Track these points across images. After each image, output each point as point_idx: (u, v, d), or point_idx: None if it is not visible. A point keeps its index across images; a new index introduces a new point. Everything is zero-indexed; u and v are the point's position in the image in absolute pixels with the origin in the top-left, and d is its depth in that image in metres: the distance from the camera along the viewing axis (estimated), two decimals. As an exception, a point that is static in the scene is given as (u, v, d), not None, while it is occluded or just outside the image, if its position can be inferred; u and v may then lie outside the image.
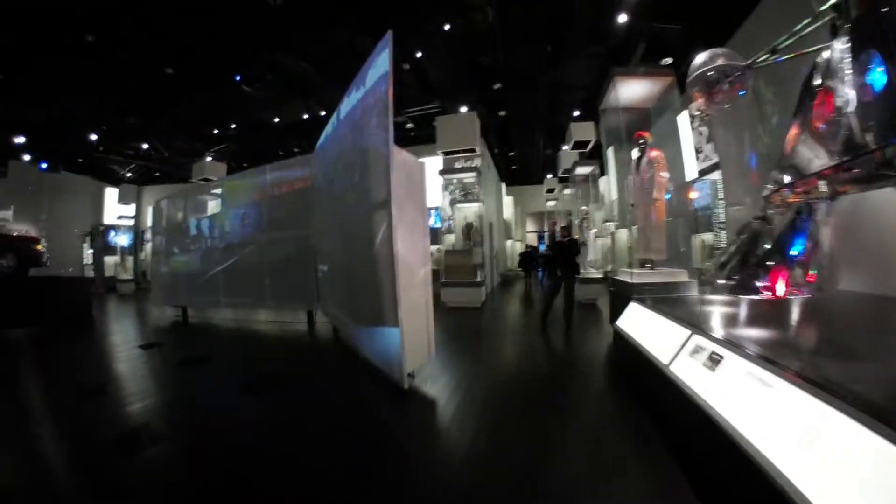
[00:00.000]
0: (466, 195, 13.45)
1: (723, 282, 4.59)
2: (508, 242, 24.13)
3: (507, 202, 23.58)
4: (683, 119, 10.07)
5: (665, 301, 5.47)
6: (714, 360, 3.12)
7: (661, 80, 7.40)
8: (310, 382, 5.20)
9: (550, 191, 21.43)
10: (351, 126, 5.72)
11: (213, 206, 11.29)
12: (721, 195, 9.29)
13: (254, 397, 4.66)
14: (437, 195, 14.40)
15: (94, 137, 16.69)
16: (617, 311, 6.84)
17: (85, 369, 5.87)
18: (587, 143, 12.60)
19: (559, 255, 7.78)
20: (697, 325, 3.81)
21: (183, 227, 11.12)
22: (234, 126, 16.38)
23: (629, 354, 4.95)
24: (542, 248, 23.95)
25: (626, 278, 6.53)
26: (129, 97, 13.60)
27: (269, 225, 9.16)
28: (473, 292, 11.10)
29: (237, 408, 4.40)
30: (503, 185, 22.76)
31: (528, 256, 18.52)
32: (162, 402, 4.51)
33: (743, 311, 4.32)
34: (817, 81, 3.32)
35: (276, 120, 15.52)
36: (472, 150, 11.61)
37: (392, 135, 4.29)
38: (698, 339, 3.57)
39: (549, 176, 21.56)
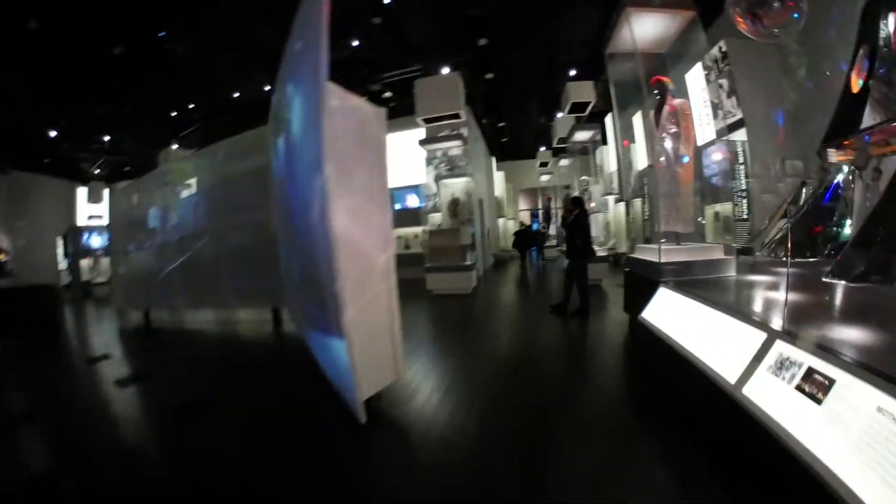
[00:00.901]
0: (452, 169, 12.19)
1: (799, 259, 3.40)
2: (501, 221, 22.88)
3: (498, 178, 22.27)
4: (696, 72, 8.79)
5: (708, 286, 4.29)
6: (819, 385, 1.99)
7: (679, 17, 6.11)
8: (247, 410, 3.96)
9: (544, 164, 20.20)
10: (286, 71, 4.40)
11: (165, 195, 9.99)
12: (741, 159, 8.04)
13: (172, 430, 3.65)
14: (420, 171, 13.22)
15: (53, 134, 15.52)
16: (635, 296, 5.72)
17: (12, 391, 5.27)
18: (586, 105, 11.28)
19: (568, 234, 6.75)
20: (779, 324, 2.63)
21: (137, 220, 9.78)
22: (192, 106, 14.90)
23: (662, 358, 3.78)
24: (536, 226, 22.74)
25: (649, 256, 5.33)
26: (84, 86, 12.39)
27: (224, 211, 7.78)
28: (462, 277, 9.87)
29: (147, 444, 3.47)
30: (493, 160, 21.43)
31: (523, 235, 17.18)
32: (63, 437, 3.72)
33: (840, 304, 3.12)
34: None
35: (237, 95, 14.05)
36: (457, 116, 10.26)
37: (326, 63, 2.98)
38: (784, 349, 2.41)
39: (542, 148, 20.29)
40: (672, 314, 4.06)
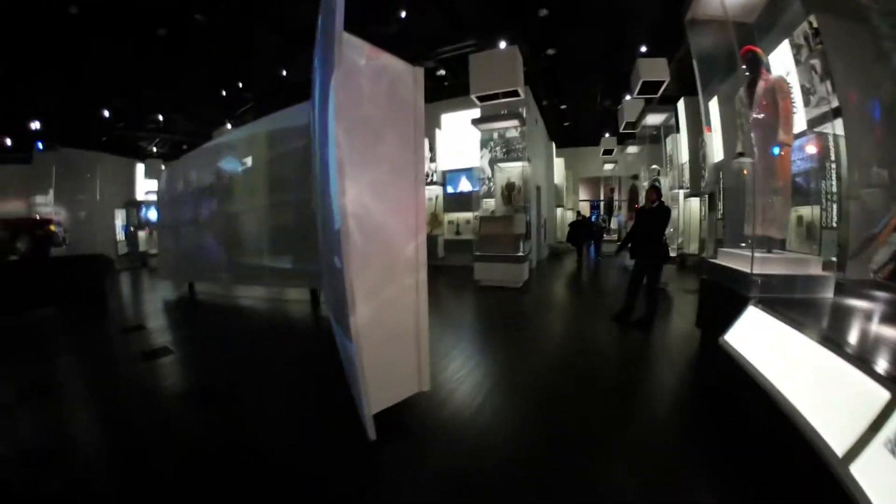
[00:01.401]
0: (509, 152, 11.47)
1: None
2: (559, 211, 21.88)
3: (558, 164, 21.24)
4: (783, 50, 7.61)
5: (807, 310, 3.48)
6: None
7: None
8: (254, 405, 3.58)
9: (608, 152, 19.02)
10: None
11: (210, 170, 9.94)
12: (832, 155, 6.84)
13: (177, 418, 3.44)
14: (474, 153, 12.58)
15: (107, 114, 16.02)
16: (712, 310, 4.92)
17: (34, 361, 5.09)
18: (659, 84, 10.19)
19: (642, 230, 5.88)
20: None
21: (183, 195, 9.95)
22: (241, 85, 14.84)
23: (748, 400, 3.05)
24: (595, 217, 21.52)
25: (736, 264, 4.50)
26: (132, 69, 12.66)
27: (268, 188, 7.69)
28: (513, 269, 9.18)
29: (139, 428, 3.28)
30: (553, 146, 20.42)
31: (579, 227, 15.88)
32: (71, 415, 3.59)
33: None
34: None
35: (285, 73, 13.79)
36: (515, 94, 9.48)
37: (342, 9, 2.39)
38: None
39: (607, 135, 19.09)
40: (764, 343, 3.30)
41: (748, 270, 4.13)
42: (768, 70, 4.87)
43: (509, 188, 10.08)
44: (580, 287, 10.40)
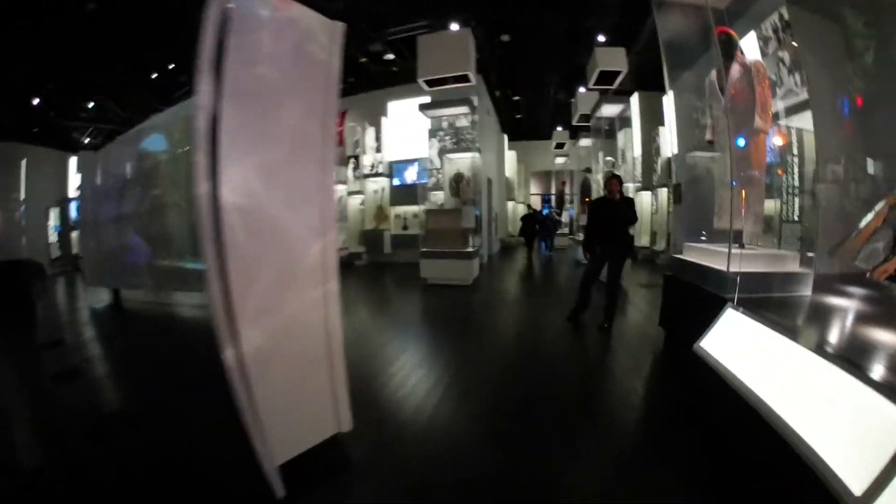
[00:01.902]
0: (459, 143, 10.86)
1: None
2: (510, 204, 21.53)
3: (510, 157, 20.88)
4: (749, 41, 7.35)
5: (790, 312, 3.11)
6: None
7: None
8: (156, 443, 2.83)
9: (560, 146, 18.79)
10: None
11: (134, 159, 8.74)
12: (794, 149, 6.62)
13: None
14: (422, 144, 11.91)
15: (36, 102, 14.31)
16: (679, 310, 4.51)
17: None
18: (615, 75, 9.82)
19: (603, 222, 5.32)
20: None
21: (104, 188, 8.55)
22: (172, 67, 13.55)
23: (736, 419, 2.62)
24: (546, 212, 21.26)
25: (709, 261, 4.07)
26: (63, 50, 11.22)
27: (186, 180, 6.58)
28: (462, 266, 8.62)
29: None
30: (505, 138, 20.01)
31: (531, 221, 15.52)
32: None
33: None
34: None
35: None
36: (465, 79, 8.88)
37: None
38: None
39: (559, 128, 18.81)
40: (750, 352, 2.85)
41: (723, 268, 3.71)
42: (742, 52, 4.46)
43: (457, 179, 9.48)
44: (533, 284, 9.95)
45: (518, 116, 20.57)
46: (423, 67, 8.97)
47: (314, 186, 2.22)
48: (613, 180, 5.37)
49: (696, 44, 5.40)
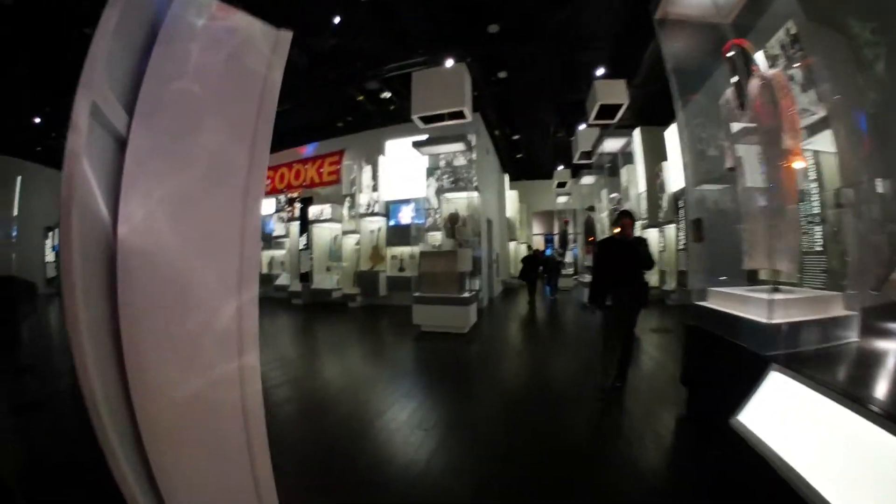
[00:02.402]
0: (457, 182, 10.45)
1: None
2: (512, 245, 21.02)
3: (511, 197, 20.49)
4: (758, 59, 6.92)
5: (854, 371, 2.52)
6: None
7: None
8: None
9: (561, 185, 18.45)
10: None
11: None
12: (812, 175, 6.09)
13: None
14: (420, 184, 11.53)
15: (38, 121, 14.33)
16: (702, 365, 3.91)
17: None
18: (616, 108, 9.47)
19: (614, 266, 4.60)
20: None
21: None
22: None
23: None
24: (549, 252, 20.65)
25: (740, 309, 3.47)
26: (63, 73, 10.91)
27: None
28: (458, 312, 8.00)
29: None
30: (506, 178, 19.68)
31: (533, 262, 14.18)
32: None
33: None
34: None
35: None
36: (460, 115, 8.50)
37: None
38: None
39: (560, 167, 18.53)
40: (808, 431, 2.22)
41: (761, 318, 3.11)
42: (755, 66, 4.00)
43: (452, 220, 8.97)
44: (536, 331, 9.26)
45: (519, 156, 20.31)
46: (417, 103, 8.64)
47: (234, 228, 1.66)
48: (625, 218, 4.67)
49: (704, 62, 4.99)
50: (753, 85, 3.86)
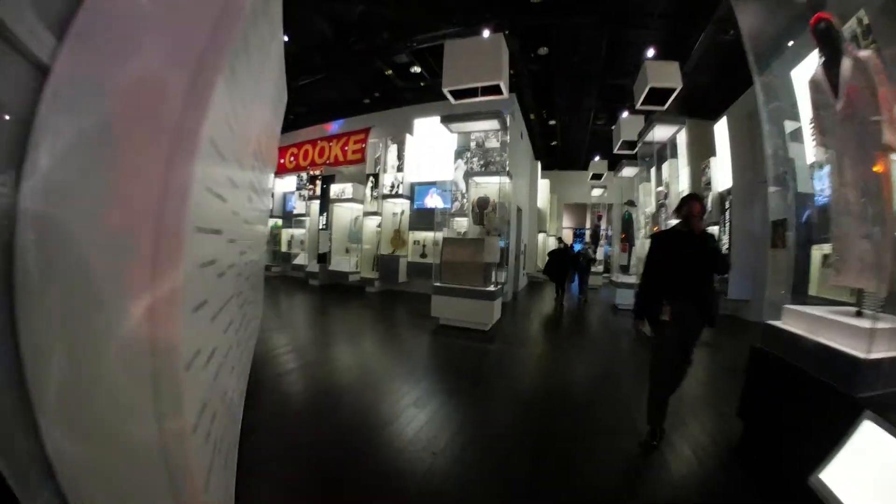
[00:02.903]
0: (487, 165, 9.79)
1: None
2: (540, 237, 20.26)
3: (543, 186, 19.71)
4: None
5: None
6: None
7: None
8: None
9: (597, 177, 17.53)
10: None
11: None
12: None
13: None
14: (447, 166, 10.90)
15: None
16: (764, 397, 3.27)
17: None
18: (668, 93, 8.66)
19: (674, 267, 3.46)
20: None
21: None
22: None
23: None
24: (578, 247, 19.74)
25: (827, 336, 2.78)
26: None
27: None
28: (481, 307, 7.42)
29: None
30: (538, 166, 18.87)
31: (561, 257, 12.55)
32: None
33: None
34: None
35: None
36: (496, 90, 7.82)
37: None
38: None
39: (597, 158, 17.61)
40: None
41: (854, 351, 2.45)
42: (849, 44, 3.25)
43: (481, 205, 8.33)
44: (564, 334, 8.62)
45: (553, 143, 19.46)
46: (448, 76, 8.00)
47: (153, 191, 1.06)
48: (693, 202, 3.49)
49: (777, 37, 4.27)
50: (846, 66, 3.12)
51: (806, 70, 3.66)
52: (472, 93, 8.06)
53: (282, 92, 3.03)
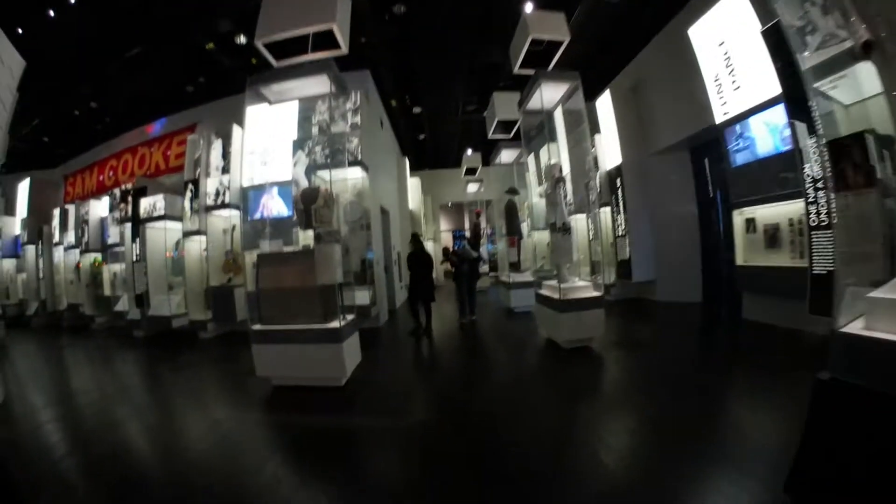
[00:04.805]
0: (334, 155, 7.34)
1: None
2: (429, 244, 18.02)
3: (413, 185, 17.48)
4: None
5: None
6: None
7: None
8: None
9: (471, 171, 15.63)
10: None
11: None
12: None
13: None
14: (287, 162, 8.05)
15: None
16: (842, 454, 1.25)
17: None
18: (554, 48, 6.77)
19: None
20: None
21: None
22: None
23: None
24: (459, 246, 17.48)
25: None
26: None
27: None
28: (324, 354, 4.91)
29: None
30: (406, 163, 16.59)
31: (418, 263, 8.85)
32: None
33: None
34: None
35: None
36: (331, 43, 5.39)
37: None
38: None
39: (469, 152, 15.78)
40: None
41: None
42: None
43: (307, 199, 5.56)
44: (459, 372, 6.35)
45: (422, 137, 17.40)
46: (263, 25, 5.44)
47: None
48: None
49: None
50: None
51: None
52: (298, 48, 5.59)
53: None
